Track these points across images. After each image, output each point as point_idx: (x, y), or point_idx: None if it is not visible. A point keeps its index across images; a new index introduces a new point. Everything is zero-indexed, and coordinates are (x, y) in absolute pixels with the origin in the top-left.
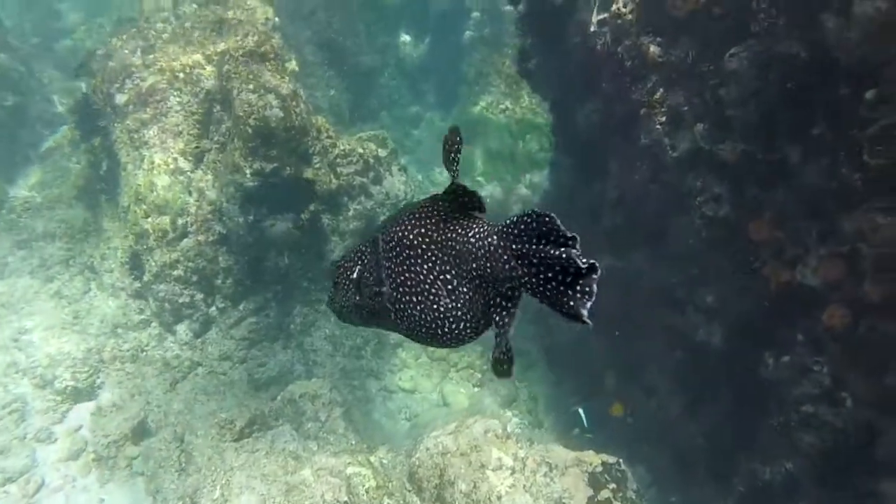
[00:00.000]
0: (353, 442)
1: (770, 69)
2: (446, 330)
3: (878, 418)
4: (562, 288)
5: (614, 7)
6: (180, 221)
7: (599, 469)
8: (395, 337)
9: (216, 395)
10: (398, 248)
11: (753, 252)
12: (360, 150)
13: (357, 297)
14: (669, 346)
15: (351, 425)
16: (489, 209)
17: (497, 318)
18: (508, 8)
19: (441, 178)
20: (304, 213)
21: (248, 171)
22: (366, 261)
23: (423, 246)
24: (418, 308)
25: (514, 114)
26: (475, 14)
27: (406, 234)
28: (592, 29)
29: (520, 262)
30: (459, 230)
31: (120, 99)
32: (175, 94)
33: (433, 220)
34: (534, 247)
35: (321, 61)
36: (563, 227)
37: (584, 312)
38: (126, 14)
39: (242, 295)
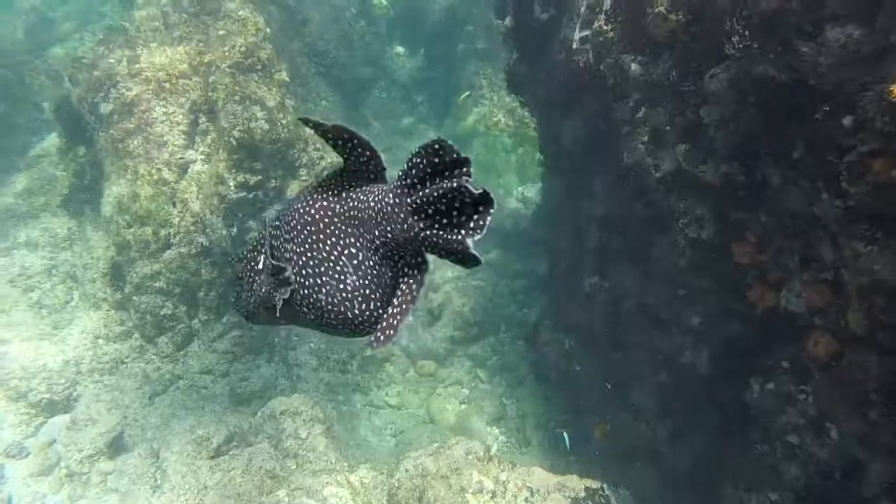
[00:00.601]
0: (334, 461)
1: (748, 91)
2: (356, 312)
3: (864, 453)
4: (454, 229)
5: (596, 24)
6: (163, 233)
7: (582, 495)
8: (382, 351)
9: (195, 410)
10: (299, 227)
11: (739, 275)
12: None
13: (263, 290)
14: (655, 367)
15: (332, 443)
16: None
17: (404, 288)
18: (499, 21)
19: None
20: None
21: (231, 184)
22: (271, 248)
23: (326, 220)
24: (324, 290)
25: (506, 126)
26: (469, 27)
27: (307, 209)
28: (575, 46)
29: (416, 217)
30: (361, 196)
31: (105, 108)
32: (160, 104)
33: (335, 192)
34: (427, 190)
35: (313, 72)
36: (454, 146)
37: (470, 243)
38: (118, 22)
39: (226, 308)
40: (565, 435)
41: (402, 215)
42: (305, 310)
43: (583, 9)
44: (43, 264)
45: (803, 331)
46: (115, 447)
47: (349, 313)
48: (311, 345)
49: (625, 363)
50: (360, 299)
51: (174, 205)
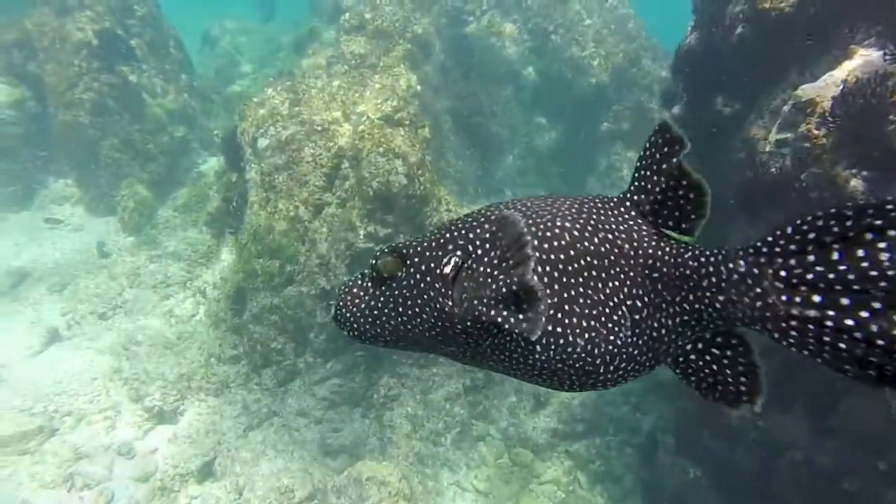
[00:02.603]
0: None
1: None
2: (611, 369)
3: None
4: (873, 337)
5: (804, 127)
6: (289, 268)
7: None
8: (478, 429)
9: (284, 453)
10: (572, 253)
11: None
12: None
13: (448, 304)
14: None
15: None
16: None
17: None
18: (652, 106)
19: None
20: None
21: (361, 232)
22: (476, 253)
23: (612, 258)
24: (585, 335)
25: None
26: (616, 107)
27: (584, 235)
28: (768, 148)
29: (787, 297)
30: (667, 248)
31: (262, 143)
32: (310, 145)
33: (622, 228)
34: (838, 265)
35: (455, 130)
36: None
37: None
38: (288, 68)
39: (332, 354)
40: None
41: (758, 289)
42: (539, 347)
43: (786, 108)
44: (181, 276)
45: None
46: (205, 472)
47: (602, 367)
48: (408, 409)
49: None
50: (624, 356)
51: (304, 243)
